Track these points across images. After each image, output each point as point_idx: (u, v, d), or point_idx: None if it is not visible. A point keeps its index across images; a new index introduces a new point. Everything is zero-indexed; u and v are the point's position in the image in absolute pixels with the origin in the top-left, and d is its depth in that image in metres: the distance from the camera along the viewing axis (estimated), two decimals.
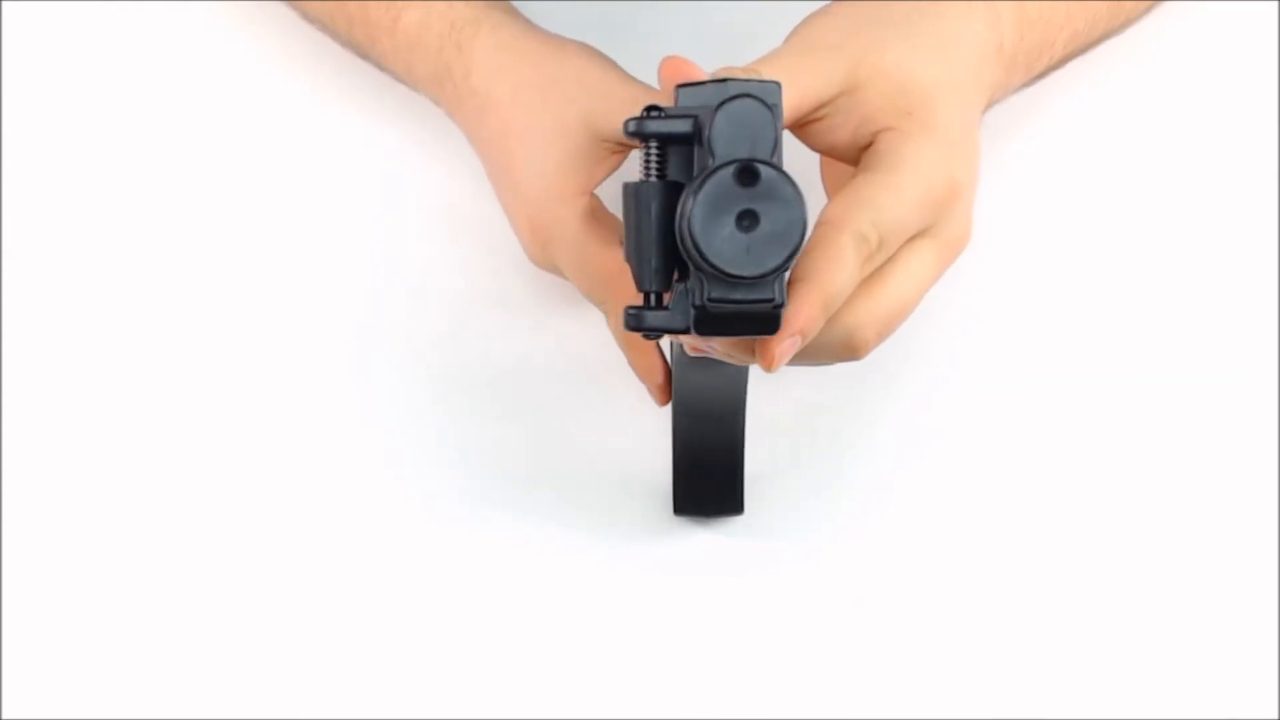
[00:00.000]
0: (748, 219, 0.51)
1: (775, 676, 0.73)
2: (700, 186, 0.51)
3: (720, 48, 0.74)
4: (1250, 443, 0.77)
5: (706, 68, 0.57)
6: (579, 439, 0.77)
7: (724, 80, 0.53)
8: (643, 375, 0.72)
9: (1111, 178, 0.82)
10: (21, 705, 0.72)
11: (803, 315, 0.54)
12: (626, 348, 0.72)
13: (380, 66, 0.79)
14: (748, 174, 0.50)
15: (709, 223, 0.50)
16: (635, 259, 0.54)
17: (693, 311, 0.53)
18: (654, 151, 0.54)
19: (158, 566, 0.75)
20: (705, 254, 0.50)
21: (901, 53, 0.61)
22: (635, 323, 0.54)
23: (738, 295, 0.52)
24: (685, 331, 0.54)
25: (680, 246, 0.52)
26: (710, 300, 0.52)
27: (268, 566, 0.75)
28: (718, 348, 0.58)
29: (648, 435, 0.76)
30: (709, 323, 0.53)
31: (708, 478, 0.72)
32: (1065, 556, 0.75)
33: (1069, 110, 0.81)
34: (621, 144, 0.70)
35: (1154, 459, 0.77)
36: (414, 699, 0.72)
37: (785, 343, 0.54)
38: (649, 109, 0.54)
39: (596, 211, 0.71)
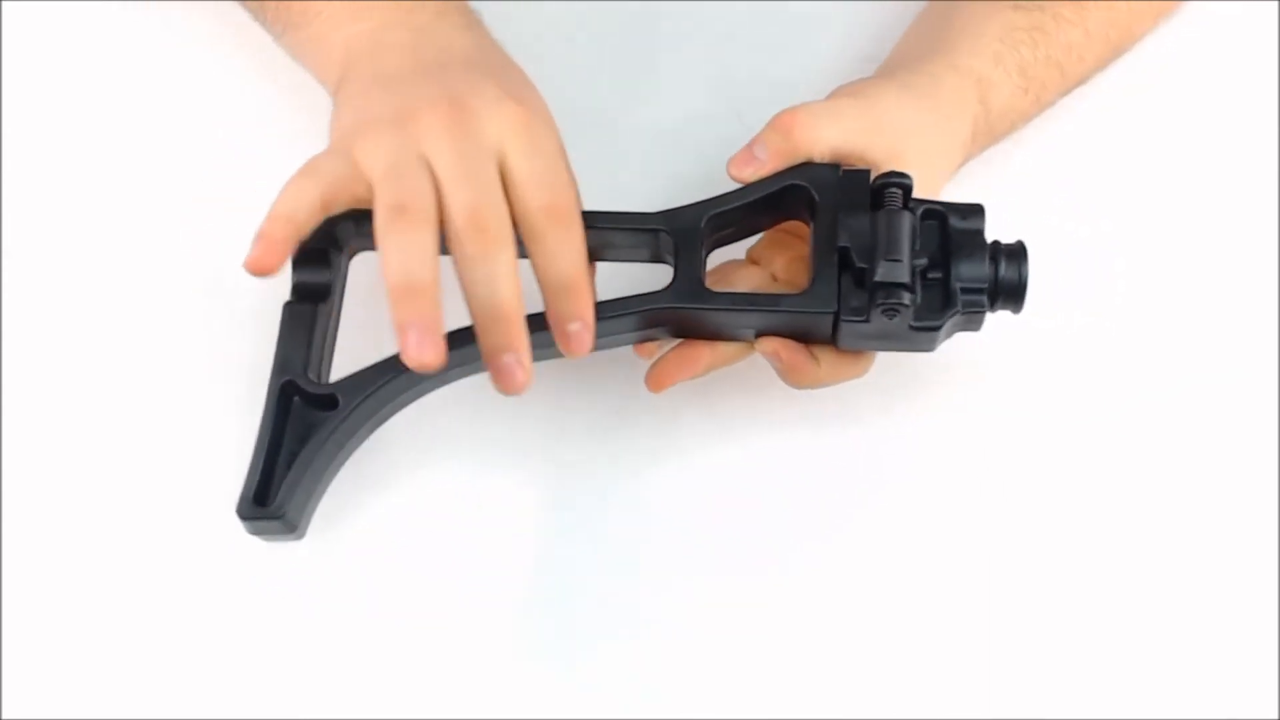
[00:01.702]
0: None
1: (775, 677, 0.73)
2: (1019, 246, 0.70)
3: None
4: (1249, 444, 0.77)
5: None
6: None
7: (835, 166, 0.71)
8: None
9: (1111, 178, 0.82)
10: (21, 705, 0.72)
11: None
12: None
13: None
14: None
15: None
16: (900, 260, 0.68)
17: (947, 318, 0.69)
18: (896, 192, 0.69)
19: (158, 567, 0.75)
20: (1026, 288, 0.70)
21: (913, 147, 0.72)
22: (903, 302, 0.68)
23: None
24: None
25: (988, 277, 0.70)
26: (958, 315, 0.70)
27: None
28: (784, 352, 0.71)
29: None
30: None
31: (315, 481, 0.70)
32: (1065, 556, 0.75)
33: (1067, 112, 0.81)
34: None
35: (1153, 458, 0.77)
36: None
37: None
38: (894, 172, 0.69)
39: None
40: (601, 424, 0.78)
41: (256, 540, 0.70)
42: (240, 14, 0.82)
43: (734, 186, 0.71)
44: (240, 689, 0.73)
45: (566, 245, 0.66)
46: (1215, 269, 0.81)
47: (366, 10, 0.73)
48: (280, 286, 0.73)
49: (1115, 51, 0.81)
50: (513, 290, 0.65)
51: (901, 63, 0.78)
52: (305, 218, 0.66)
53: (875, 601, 0.74)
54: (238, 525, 0.68)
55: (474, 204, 0.64)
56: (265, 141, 0.83)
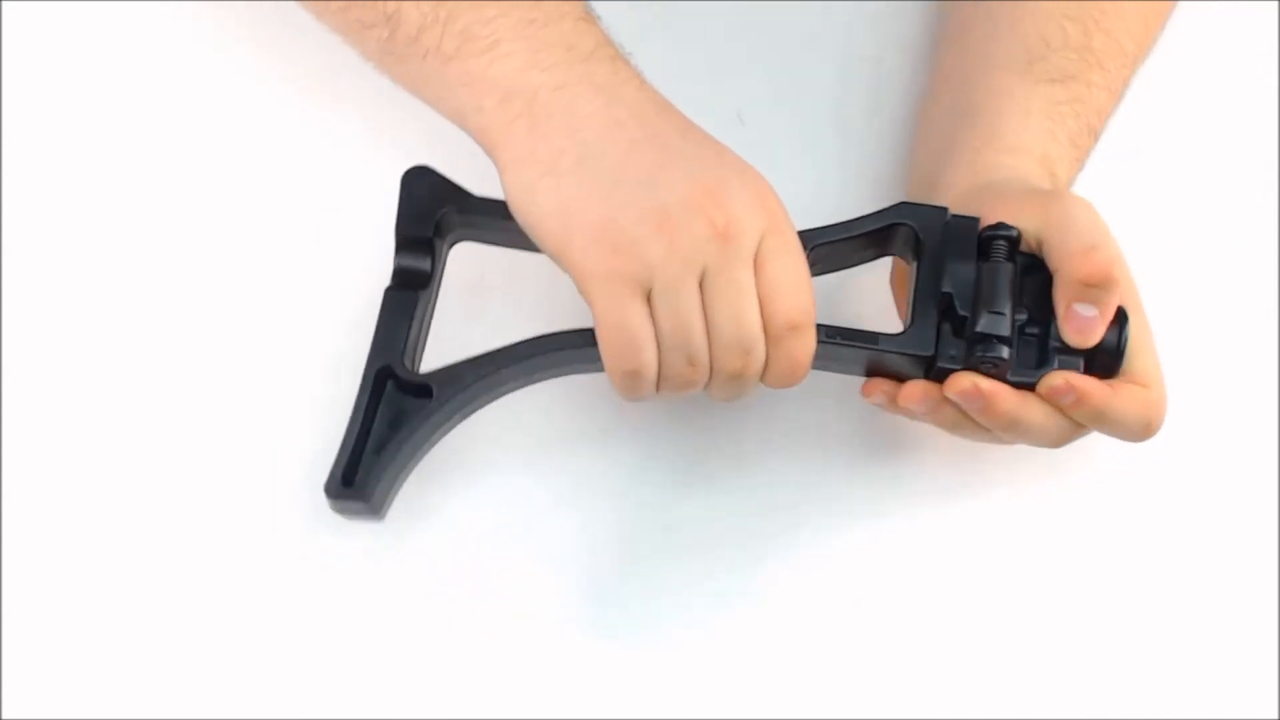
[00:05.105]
0: None
1: (775, 677, 0.73)
2: (1119, 311, 0.69)
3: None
4: (1250, 444, 0.77)
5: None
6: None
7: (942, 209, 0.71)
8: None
9: (1111, 177, 0.82)
10: (21, 705, 0.73)
11: None
12: None
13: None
14: None
15: None
16: (1003, 314, 0.69)
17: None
18: (1002, 244, 0.69)
19: (159, 566, 0.75)
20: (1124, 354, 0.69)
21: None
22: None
23: None
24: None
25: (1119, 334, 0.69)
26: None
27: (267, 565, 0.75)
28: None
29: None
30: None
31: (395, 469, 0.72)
32: (1064, 555, 0.75)
33: None
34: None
35: (1154, 456, 0.77)
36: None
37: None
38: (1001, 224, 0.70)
39: None
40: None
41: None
42: (245, 13, 0.83)
43: None
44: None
45: (799, 350, 0.69)
46: (1216, 270, 0.81)
47: (544, 58, 0.69)
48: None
49: (1121, 101, 0.81)
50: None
51: (945, 152, 0.76)
52: (651, 394, 0.70)
53: (873, 605, 0.75)
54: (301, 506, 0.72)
55: (739, 343, 0.68)
56: (271, 142, 0.83)
